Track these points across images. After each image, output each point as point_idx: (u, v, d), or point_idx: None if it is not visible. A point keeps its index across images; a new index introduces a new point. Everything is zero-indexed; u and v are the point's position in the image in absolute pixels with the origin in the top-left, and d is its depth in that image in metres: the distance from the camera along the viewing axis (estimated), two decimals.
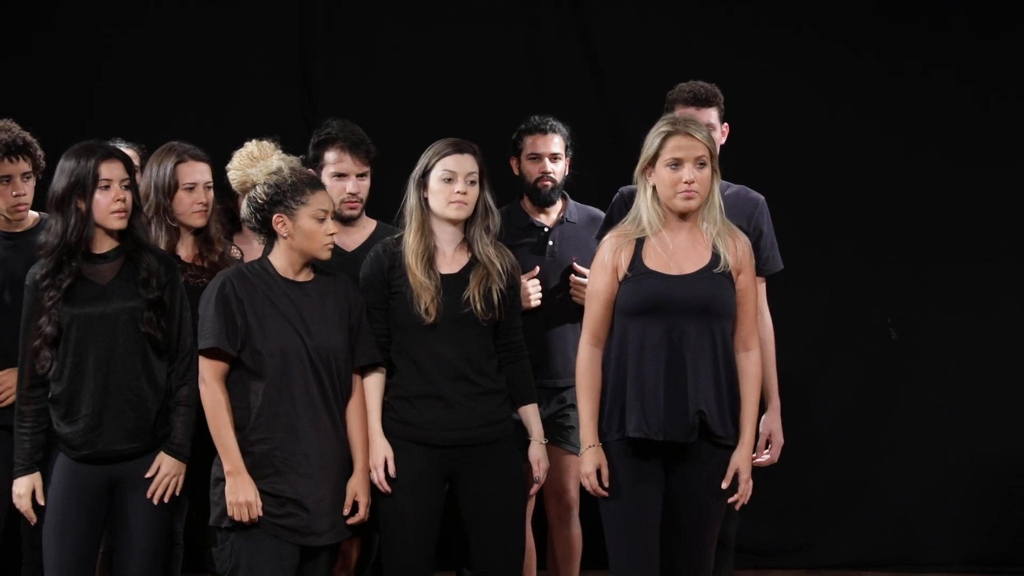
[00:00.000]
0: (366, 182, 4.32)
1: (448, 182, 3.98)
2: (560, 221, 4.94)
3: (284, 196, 3.89)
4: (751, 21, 6.40)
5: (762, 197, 4.55)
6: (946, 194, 6.42)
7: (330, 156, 4.27)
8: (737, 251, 3.96)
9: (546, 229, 4.90)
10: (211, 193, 4.36)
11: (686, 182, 3.86)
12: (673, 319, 3.90)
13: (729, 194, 4.47)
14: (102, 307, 3.95)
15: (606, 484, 3.91)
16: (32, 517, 3.92)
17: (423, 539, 4.01)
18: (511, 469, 4.05)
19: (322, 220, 3.92)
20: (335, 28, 6.48)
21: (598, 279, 3.99)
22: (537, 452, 4.10)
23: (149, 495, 3.89)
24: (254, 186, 3.93)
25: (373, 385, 4.11)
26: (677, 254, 3.95)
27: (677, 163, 3.87)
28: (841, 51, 6.43)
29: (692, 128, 3.92)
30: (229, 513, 3.89)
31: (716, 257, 3.92)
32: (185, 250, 4.30)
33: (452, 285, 4.04)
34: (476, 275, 4.05)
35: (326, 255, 3.95)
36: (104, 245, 3.92)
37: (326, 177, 4.23)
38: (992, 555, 6.33)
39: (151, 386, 3.95)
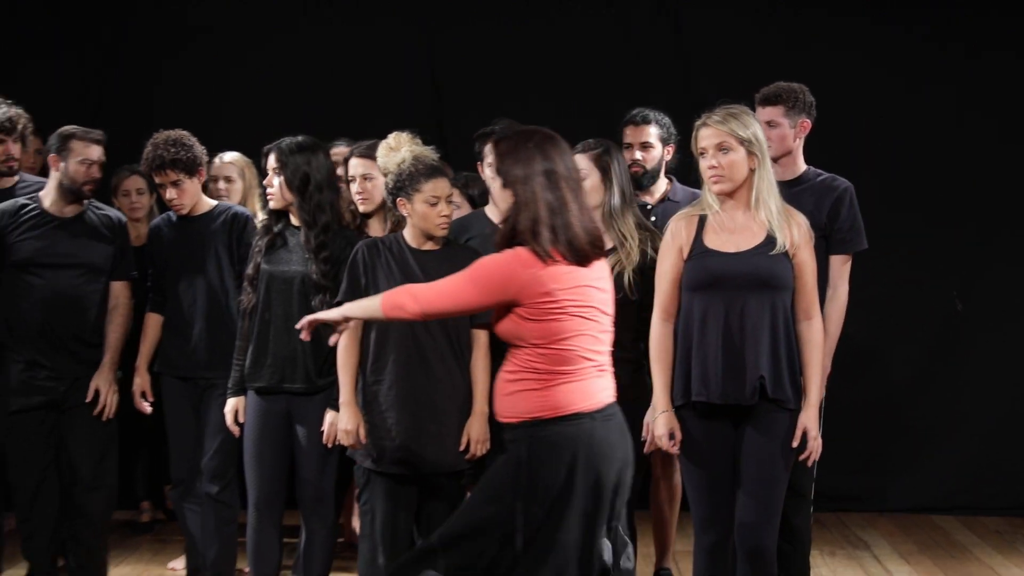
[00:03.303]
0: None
1: None
2: (663, 200, 5.06)
3: (404, 184, 4.21)
4: (834, 13, 6.66)
5: (846, 184, 4.58)
6: (1006, 171, 6.63)
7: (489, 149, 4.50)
8: (792, 232, 3.98)
9: (649, 206, 4.99)
10: (367, 184, 4.74)
11: (709, 167, 3.96)
12: (732, 293, 3.95)
13: (818, 181, 4.58)
14: (284, 268, 4.51)
15: (678, 446, 4.03)
16: (236, 431, 4.53)
17: None
18: (639, 427, 4.13)
19: (434, 204, 4.20)
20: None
21: (665, 260, 4.07)
22: (647, 416, 4.20)
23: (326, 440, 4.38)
24: (388, 174, 4.34)
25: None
26: (735, 234, 4.00)
27: (703, 152, 3.98)
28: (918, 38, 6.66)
29: (713, 119, 3.99)
30: (338, 439, 4.29)
31: (771, 238, 3.96)
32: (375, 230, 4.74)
33: None
34: (611, 260, 4.11)
35: (440, 232, 4.24)
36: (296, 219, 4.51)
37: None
38: None
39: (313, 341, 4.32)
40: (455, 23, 6.91)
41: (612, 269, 4.08)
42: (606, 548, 3.60)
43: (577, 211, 3.46)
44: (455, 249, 4.35)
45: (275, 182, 4.52)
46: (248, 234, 4.91)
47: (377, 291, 4.14)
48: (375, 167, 4.68)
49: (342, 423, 4.26)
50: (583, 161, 4.31)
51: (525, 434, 3.42)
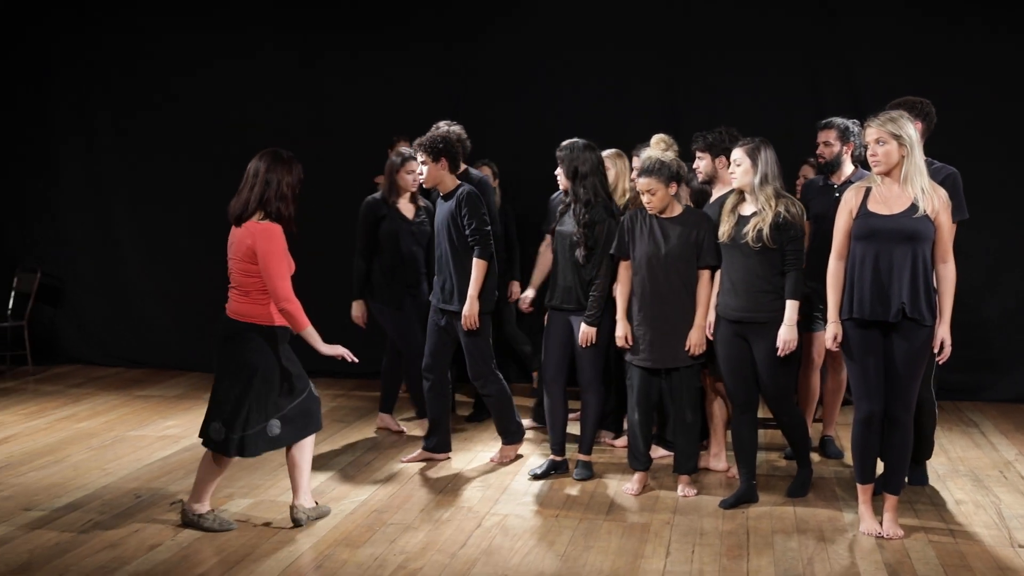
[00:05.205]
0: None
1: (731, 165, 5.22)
2: (846, 182, 5.70)
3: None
4: (981, 31, 7.41)
5: (952, 170, 5.12)
6: None
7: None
8: (933, 201, 4.55)
9: (835, 186, 5.80)
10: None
11: (871, 155, 4.60)
12: (884, 243, 4.54)
13: (931, 168, 4.99)
14: (566, 228, 5.42)
15: (840, 347, 4.68)
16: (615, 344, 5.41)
17: (736, 371, 5.13)
18: (775, 340, 5.01)
19: (641, 194, 5.17)
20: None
21: (840, 218, 4.71)
22: (780, 331, 4.99)
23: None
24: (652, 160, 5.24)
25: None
26: (889, 201, 4.59)
27: (867, 144, 4.63)
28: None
29: (872, 121, 4.59)
30: (617, 343, 5.33)
31: (915, 205, 4.52)
32: None
33: (743, 222, 5.06)
34: (754, 218, 5.02)
35: (648, 211, 5.17)
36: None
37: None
38: None
39: (578, 278, 5.47)
40: (690, 54, 7.82)
41: (754, 226, 4.98)
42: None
43: (240, 196, 4.65)
44: (688, 215, 5.32)
45: (559, 172, 5.59)
46: (466, 208, 5.62)
47: (634, 247, 5.26)
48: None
49: (618, 331, 5.38)
50: (738, 152, 5.12)
51: None
